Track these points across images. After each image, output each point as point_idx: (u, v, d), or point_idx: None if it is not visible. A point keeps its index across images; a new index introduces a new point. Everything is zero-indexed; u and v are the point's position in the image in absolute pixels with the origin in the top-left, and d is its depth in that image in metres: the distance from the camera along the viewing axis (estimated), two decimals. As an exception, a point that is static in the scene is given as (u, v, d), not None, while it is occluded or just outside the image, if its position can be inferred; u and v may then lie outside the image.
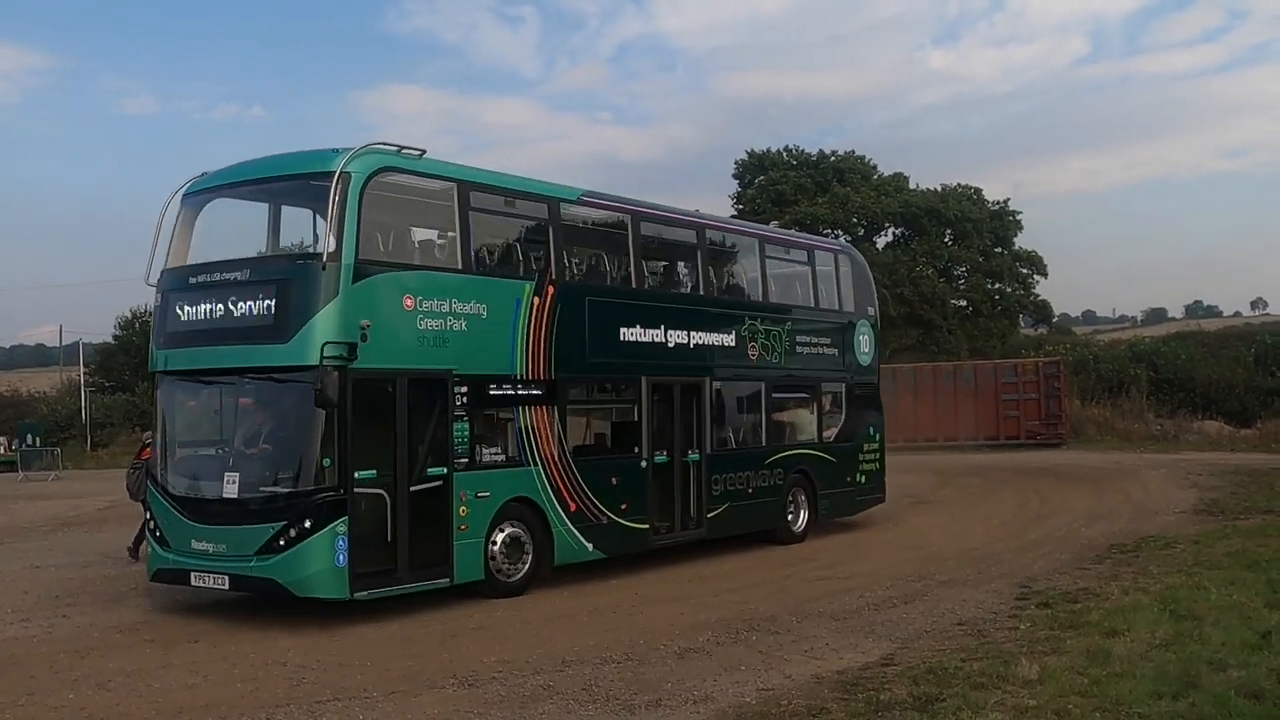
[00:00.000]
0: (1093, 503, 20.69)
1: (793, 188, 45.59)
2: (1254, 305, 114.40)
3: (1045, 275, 47.48)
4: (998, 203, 47.42)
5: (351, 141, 11.39)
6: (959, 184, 47.62)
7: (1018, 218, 47.44)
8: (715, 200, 55.21)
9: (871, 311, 19.05)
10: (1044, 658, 8.50)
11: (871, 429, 18.69)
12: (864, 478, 18.29)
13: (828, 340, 17.81)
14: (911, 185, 47.74)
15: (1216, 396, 39.91)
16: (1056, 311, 53.73)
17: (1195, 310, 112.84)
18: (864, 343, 18.55)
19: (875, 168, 48.34)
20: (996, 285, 47.00)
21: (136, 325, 52.83)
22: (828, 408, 17.90)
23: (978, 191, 47.36)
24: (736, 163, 48.68)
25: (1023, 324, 50.02)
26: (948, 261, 45.97)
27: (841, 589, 12.39)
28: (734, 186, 48.83)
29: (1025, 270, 47.26)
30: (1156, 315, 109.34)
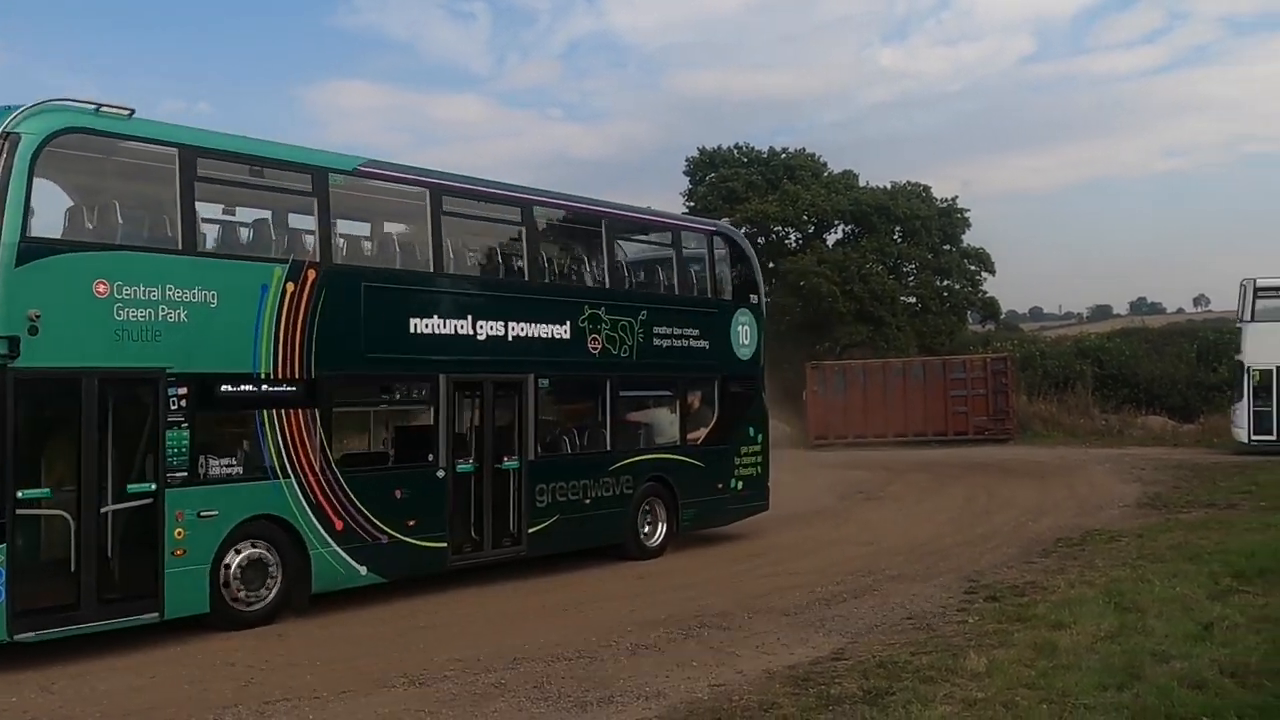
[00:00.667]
0: (1039, 497, 20.93)
1: (744, 185, 45.65)
2: (1196, 302, 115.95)
3: (993, 272, 47.89)
4: (946, 200, 47.76)
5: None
6: (908, 181, 47.94)
7: (966, 215, 47.78)
8: (668, 197, 55.83)
9: (754, 299, 17.07)
10: (992, 651, 8.60)
11: (752, 430, 16.80)
12: (740, 484, 16.37)
13: (695, 331, 15.77)
14: (861, 183, 47.92)
15: (1160, 392, 40.45)
16: (1004, 308, 54.18)
17: (1139, 307, 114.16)
18: (744, 334, 16.56)
19: (825, 165, 48.46)
20: (945, 282, 47.33)
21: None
22: (696, 406, 16.16)
23: (926, 189, 47.64)
24: (688, 160, 48.70)
25: (971, 321, 50.40)
26: (897, 259, 46.22)
27: (792, 584, 12.45)
28: (685, 183, 48.90)
29: (973, 267, 47.62)
30: (1102, 312, 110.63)
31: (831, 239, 47.49)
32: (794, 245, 46.76)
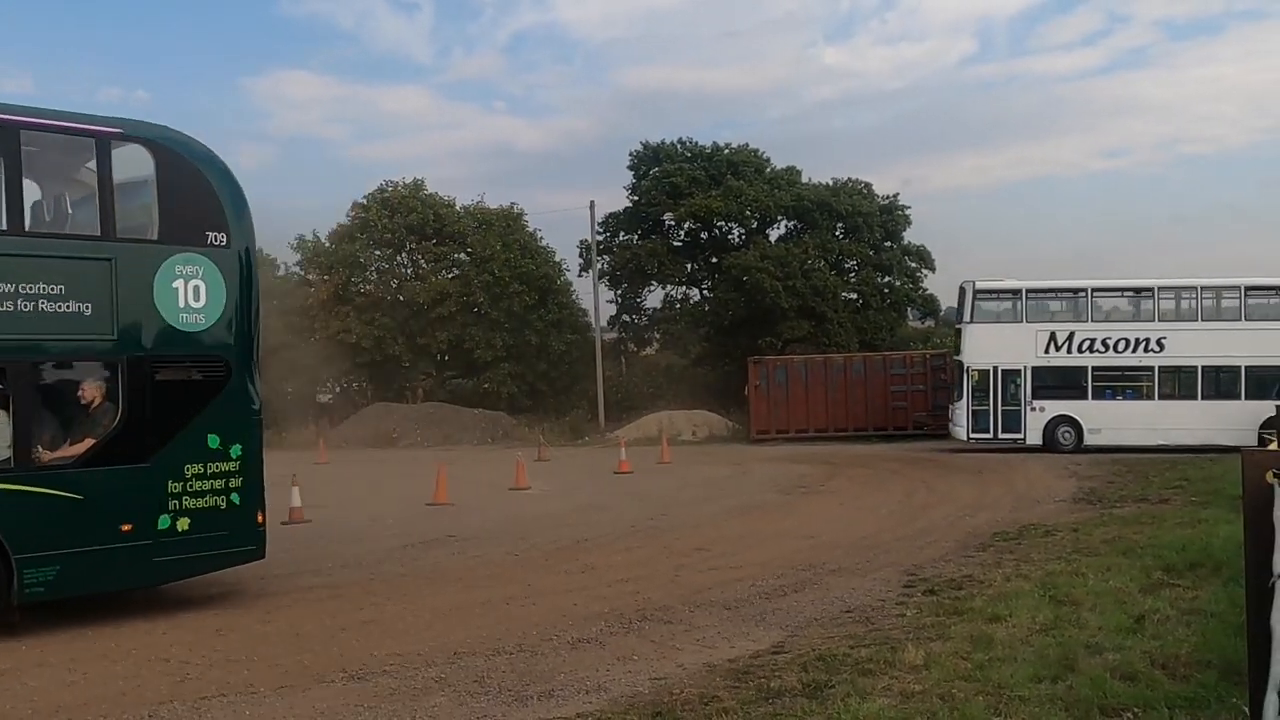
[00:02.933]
0: (977, 492, 21.14)
1: (687, 180, 45.71)
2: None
3: (933, 270, 48.32)
4: (888, 197, 48.16)
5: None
6: (850, 178, 48.28)
7: (907, 213, 48.25)
8: (611, 192, 55.83)
9: (219, 239, 11.41)
10: (929, 644, 8.69)
11: (217, 438, 11.29)
12: (187, 522, 11.02)
13: (56, 287, 10.35)
14: (804, 179, 48.18)
15: (1095, 389, 40.94)
16: (944, 305, 54.72)
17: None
18: (190, 292, 11.17)
19: (769, 161, 48.66)
20: (886, 279, 47.68)
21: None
22: (66, 405, 10.89)
23: (868, 186, 48.00)
24: (631, 154, 48.66)
25: (911, 317, 50.83)
26: (839, 255, 46.50)
27: (733, 578, 12.49)
28: (629, 178, 48.92)
29: (914, 264, 48.03)
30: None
31: (774, 235, 47.75)
32: (737, 241, 46.95)
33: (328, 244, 45.80)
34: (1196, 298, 29.96)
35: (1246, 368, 29.18)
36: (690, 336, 47.32)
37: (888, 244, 47.57)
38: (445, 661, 8.92)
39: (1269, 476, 5.21)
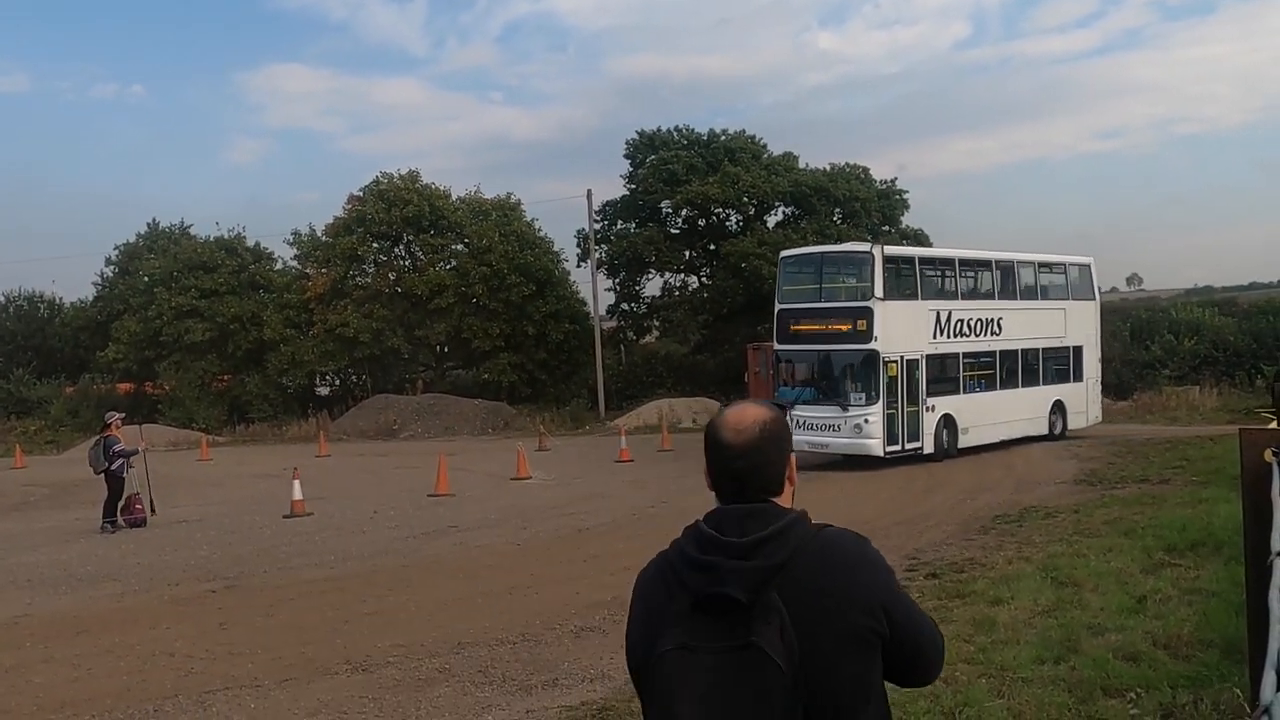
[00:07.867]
0: (977, 476, 21.14)
1: (684, 167, 45.66)
2: (1129, 281, 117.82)
3: (931, 253, 48.42)
4: (885, 182, 48.15)
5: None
6: (847, 163, 48.26)
7: (904, 197, 48.29)
8: (608, 181, 55.31)
9: None
10: (932, 627, 8.69)
11: None
12: None
13: None
14: (801, 165, 48.15)
15: (1094, 370, 41.02)
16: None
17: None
18: None
19: (765, 147, 48.61)
20: (884, 263, 47.73)
21: (10, 310, 51.17)
22: None
23: (866, 171, 47.99)
24: (627, 142, 48.54)
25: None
26: (837, 240, 46.46)
27: (735, 565, 12.47)
28: (625, 166, 48.87)
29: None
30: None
31: (772, 220, 47.71)
32: (735, 227, 46.90)
33: (324, 238, 45.74)
34: (1014, 274, 26.54)
35: (1042, 350, 26.63)
36: (689, 324, 47.28)
37: (886, 228, 47.52)
38: (449, 652, 8.95)
39: (1267, 454, 5.20)
